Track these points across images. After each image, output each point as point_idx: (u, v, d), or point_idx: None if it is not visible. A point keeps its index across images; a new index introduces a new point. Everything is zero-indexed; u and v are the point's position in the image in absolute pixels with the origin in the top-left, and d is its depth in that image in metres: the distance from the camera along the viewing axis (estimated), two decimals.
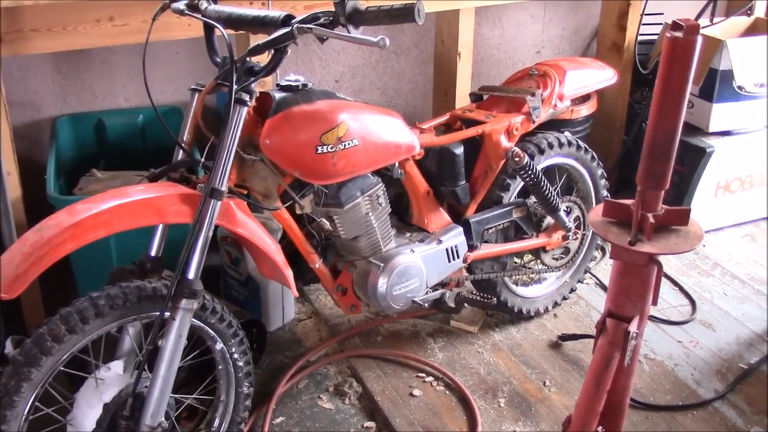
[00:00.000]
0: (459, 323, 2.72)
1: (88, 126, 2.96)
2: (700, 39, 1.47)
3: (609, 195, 2.78)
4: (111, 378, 1.80)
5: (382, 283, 2.14)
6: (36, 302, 2.54)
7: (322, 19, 1.64)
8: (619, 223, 1.68)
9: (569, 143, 2.59)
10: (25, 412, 1.66)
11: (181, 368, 2.02)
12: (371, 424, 2.31)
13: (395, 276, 2.14)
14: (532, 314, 2.75)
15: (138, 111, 3.01)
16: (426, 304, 2.23)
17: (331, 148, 1.91)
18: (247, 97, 1.77)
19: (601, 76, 2.66)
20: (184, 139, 1.91)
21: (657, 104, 1.55)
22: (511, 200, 2.49)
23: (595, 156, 2.71)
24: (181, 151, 1.92)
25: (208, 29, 1.90)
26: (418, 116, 3.54)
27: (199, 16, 1.86)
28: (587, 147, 2.67)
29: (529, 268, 2.69)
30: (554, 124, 2.70)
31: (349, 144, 1.94)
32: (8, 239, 2.29)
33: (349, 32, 1.61)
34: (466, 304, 2.32)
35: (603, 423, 1.80)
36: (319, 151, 1.90)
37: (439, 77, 3.16)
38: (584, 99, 2.95)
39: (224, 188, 1.76)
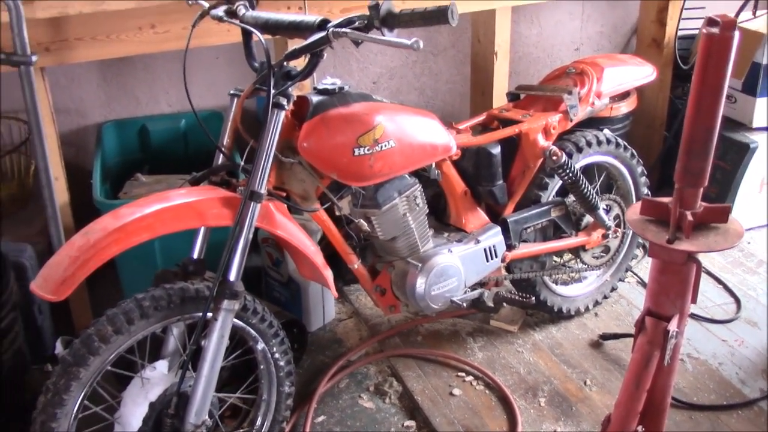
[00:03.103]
0: (499, 323, 2.72)
1: (132, 131, 3.03)
2: (737, 35, 1.45)
3: (650, 193, 2.76)
4: (156, 377, 1.84)
5: (420, 284, 2.15)
6: (84, 303, 2.61)
7: (357, 23, 1.66)
8: (658, 222, 1.66)
9: (608, 141, 2.57)
10: (74, 411, 1.71)
11: (224, 368, 2.06)
12: (411, 423, 2.33)
13: (433, 276, 2.16)
14: (573, 313, 2.73)
15: (180, 116, 3.07)
16: (464, 304, 2.24)
17: (368, 150, 1.93)
18: (284, 102, 1.80)
19: (639, 73, 2.64)
20: (224, 143, 1.95)
21: (694, 101, 1.54)
22: (550, 199, 2.48)
23: (635, 153, 2.68)
24: (221, 155, 1.95)
25: (246, 35, 1.94)
26: (455, 116, 3.55)
27: (237, 22, 1.89)
28: (626, 144, 2.65)
29: (569, 267, 2.67)
30: (593, 122, 2.68)
31: (385, 146, 1.96)
32: (57, 243, 2.36)
33: (383, 35, 1.62)
34: (504, 304, 2.32)
35: (643, 423, 1.78)
36: (356, 153, 1.92)
37: (476, 77, 3.16)
38: (624, 96, 2.92)
39: (263, 191, 1.79)
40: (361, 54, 3.35)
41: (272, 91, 1.76)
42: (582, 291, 2.76)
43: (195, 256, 1.98)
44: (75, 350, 1.70)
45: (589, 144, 2.51)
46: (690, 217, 1.59)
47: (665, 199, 1.67)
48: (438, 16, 1.58)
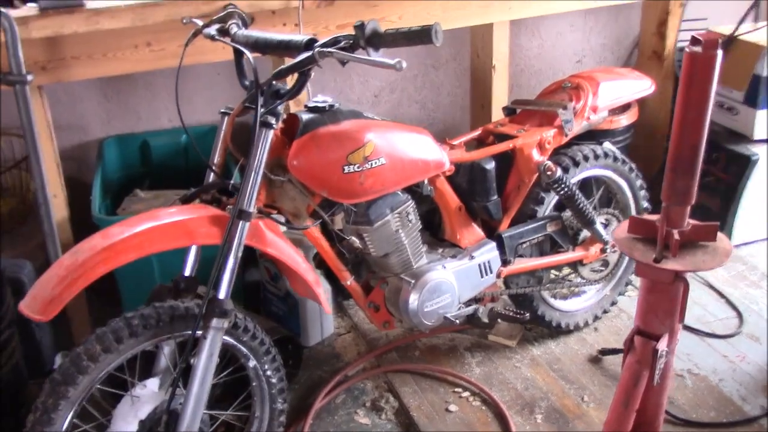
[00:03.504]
0: (497, 337, 2.71)
1: (134, 146, 3.05)
2: (719, 54, 1.45)
3: (650, 206, 2.74)
4: (146, 395, 1.85)
5: (413, 300, 2.15)
6: (83, 317, 2.62)
7: (342, 43, 1.66)
8: (645, 240, 1.65)
9: (605, 155, 2.56)
10: (63, 429, 1.72)
11: (216, 385, 2.06)
12: None
13: (426, 292, 2.15)
14: (572, 328, 2.72)
15: (181, 131, 3.08)
16: (458, 321, 2.23)
17: (358, 167, 1.94)
18: (273, 120, 1.80)
19: (637, 86, 2.63)
20: (215, 161, 1.96)
21: (679, 119, 1.53)
22: (546, 214, 2.47)
23: (634, 167, 2.67)
24: (212, 173, 1.96)
25: (238, 53, 1.95)
26: (457, 129, 3.55)
27: (228, 41, 1.90)
28: (625, 158, 2.63)
29: (567, 282, 2.66)
30: (594, 135, 2.67)
31: (375, 163, 1.96)
32: (54, 259, 2.38)
33: (369, 55, 1.63)
34: (499, 320, 2.31)
35: None
36: (346, 171, 1.92)
37: (475, 91, 3.16)
38: (624, 108, 2.92)
39: (252, 209, 1.80)
40: (362, 68, 3.36)
41: (260, 111, 1.77)
42: (581, 305, 2.74)
43: (186, 273, 1.98)
44: (63, 369, 1.71)
45: (585, 158, 2.50)
46: (677, 236, 1.58)
47: (653, 217, 1.66)
48: (422, 36, 1.58)
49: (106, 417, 1.85)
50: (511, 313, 2.28)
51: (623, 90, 2.58)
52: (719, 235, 1.64)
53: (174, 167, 3.07)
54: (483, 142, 2.43)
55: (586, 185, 2.64)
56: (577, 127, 2.41)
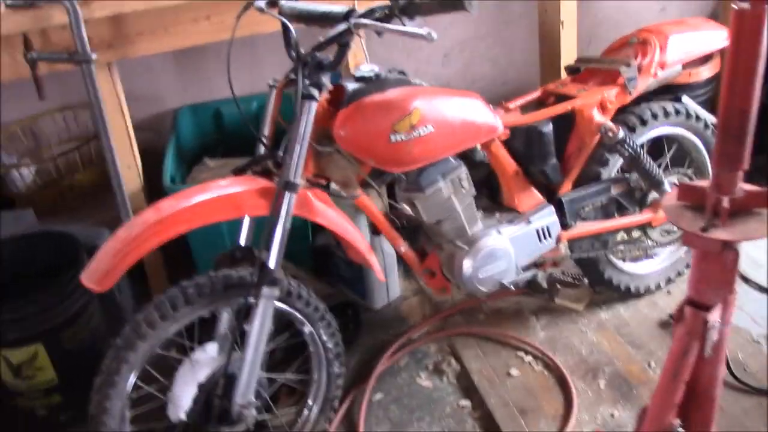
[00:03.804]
0: (564, 301, 2.67)
1: (207, 115, 3.14)
2: None
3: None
4: (205, 359, 1.94)
5: (467, 267, 2.14)
6: (161, 279, 2.76)
7: (378, 13, 1.65)
8: (695, 208, 1.58)
9: (677, 112, 2.45)
10: (127, 391, 1.83)
11: (277, 349, 2.15)
12: (466, 402, 2.34)
13: (481, 259, 2.14)
14: (642, 292, 2.64)
15: (252, 98, 3.15)
16: (513, 287, 2.21)
17: (405, 136, 1.93)
18: (315, 92, 1.82)
19: (712, 38, 2.48)
20: (265, 132, 2.00)
21: (727, 82, 1.44)
22: (612, 176, 2.39)
23: (711, 123, 2.53)
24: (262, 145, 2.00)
25: (285, 25, 1.97)
26: (533, 87, 3.45)
27: (275, 13, 1.93)
28: (699, 114, 2.50)
29: (636, 245, 2.57)
30: (672, 89, 2.56)
31: (423, 131, 1.95)
32: None
33: (404, 24, 1.61)
34: (558, 286, 2.27)
35: (689, 415, 1.72)
36: (393, 140, 1.92)
37: (544, 48, 3.06)
38: (705, 60, 2.77)
39: (298, 181, 1.83)
40: (432, 27, 3.30)
41: (301, 83, 1.78)
42: (653, 268, 2.65)
43: (242, 243, 2.05)
44: (125, 335, 1.81)
45: (654, 116, 2.40)
46: (726, 204, 1.51)
47: (704, 184, 1.58)
48: (455, 4, 1.55)
49: (169, 379, 1.95)
50: (569, 279, 2.24)
51: (696, 43, 2.44)
52: None
53: (247, 134, 3.12)
54: (543, 103, 2.37)
55: (656, 145, 2.54)
56: (642, 85, 2.31)
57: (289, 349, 2.16)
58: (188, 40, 2.44)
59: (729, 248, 1.53)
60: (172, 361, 1.95)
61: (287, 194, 1.83)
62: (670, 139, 2.54)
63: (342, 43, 1.76)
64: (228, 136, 3.15)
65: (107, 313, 2.50)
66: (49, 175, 2.93)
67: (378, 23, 1.62)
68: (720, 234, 1.51)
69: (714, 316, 1.61)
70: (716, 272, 1.59)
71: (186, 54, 3.06)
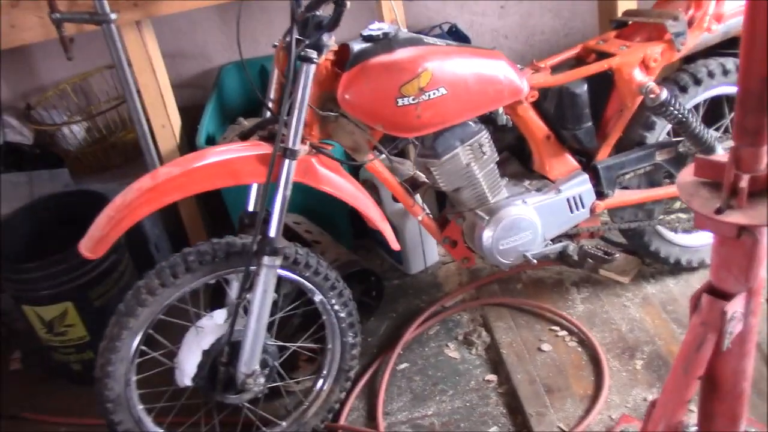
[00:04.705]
0: (609, 272, 2.50)
1: (252, 72, 3.09)
2: None
3: None
4: (209, 326, 1.92)
5: (487, 237, 2.02)
6: (199, 229, 2.77)
7: None
8: (713, 185, 1.40)
9: (738, 70, 2.20)
10: (131, 356, 1.84)
11: (293, 316, 2.11)
12: (493, 377, 2.24)
13: (501, 230, 2.01)
14: (695, 265, 2.44)
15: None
16: (535, 260, 2.07)
17: (413, 99, 1.81)
18: (314, 54, 1.73)
19: None
20: (271, 96, 1.93)
21: (746, 46, 1.25)
22: (659, 140, 2.19)
23: None
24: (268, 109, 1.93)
25: None
26: None
27: None
28: None
29: (681, 216, 2.36)
30: (736, 44, 2.30)
31: (434, 94, 1.83)
32: None
33: None
34: (589, 259, 2.12)
35: (712, 410, 1.57)
36: (400, 104, 1.81)
37: None
38: None
39: (297, 147, 1.76)
40: None
41: (294, 45, 1.69)
42: (708, 240, 2.43)
43: (250, 209, 2.00)
44: (126, 301, 1.81)
45: (711, 75, 2.18)
46: (744, 183, 1.32)
47: (724, 159, 1.40)
48: None
49: (176, 345, 1.95)
50: (600, 253, 2.08)
51: None
52: None
53: None
54: (583, 61, 2.18)
55: (716, 106, 2.31)
56: (692, 41, 2.08)
57: (307, 317, 2.12)
58: None
59: (747, 233, 1.35)
60: (181, 328, 1.95)
61: (287, 161, 1.76)
62: (734, 100, 2.30)
63: (338, 1, 1.65)
64: None
65: (142, 270, 2.52)
66: (100, 132, 2.97)
67: None
68: (736, 217, 1.33)
69: (735, 306, 1.44)
70: (739, 257, 1.41)
71: (230, 9, 3.01)
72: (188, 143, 2.73)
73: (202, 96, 3.13)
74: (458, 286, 2.62)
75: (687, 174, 1.45)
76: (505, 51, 3.43)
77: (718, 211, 1.34)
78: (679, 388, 1.51)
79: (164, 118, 2.56)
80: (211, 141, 2.72)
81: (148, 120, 2.49)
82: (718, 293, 1.48)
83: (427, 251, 2.70)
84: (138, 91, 2.41)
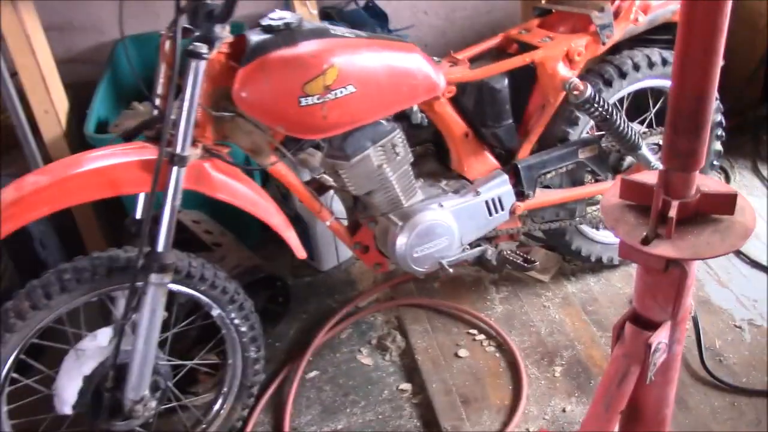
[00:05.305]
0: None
1: (153, 47, 2.83)
2: None
3: (724, 123, 2.27)
4: (92, 349, 1.72)
5: (401, 244, 1.87)
6: (91, 226, 2.54)
7: None
8: (640, 209, 1.29)
9: (664, 62, 2.10)
10: None
11: (190, 330, 1.93)
12: (407, 386, 2.12)
13: (416, 236, 1.87)
14: (617, 263, 2.36)
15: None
16: (451, 270, 1.94)
17: (318, 99, 1.63)
18: (204, 49, 1.52)
19: None
20: (158, 91, 1.71)
21: (678, 61, 1.12)
22: (582, 137, 2.08)
23: None
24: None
25: None
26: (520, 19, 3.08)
27: None
28: None
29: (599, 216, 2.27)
30: (671, 29, 2.20)
31: (341, 92, 1.65)
32: None
33: None
34: (508, 265, 2.00)
35: None
36: (303, 104, 1.63)
37: None
38: None
39: (186, 153, 1.56)
40: None
41: (180, 38, 1.49)
42: None
43: (138, 216, 1.79)
44: None
45: (636, 68, 2.07)
46: (673, 212, 1.21)
47: (651, 181, 1.28)
48: None
49: (54, 370, 1.74)
50: (519, 260, 1.96)
51: None
52: (740, 205, 1.25)
53: None
54: (504, 52, 2.04)
55: (642, 99, 2.21)
56: (618, 33, 1.96)
57: (206, 328, 1.95)
58: None
59: (676, 266, 1.24)
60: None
61: (175, 169, 1.56)
62: (660, 93, 2.21)
63: None
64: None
65: (25, 271, 2.29)
66: None
67: None
68: (664, 249, 1.21)
69: (660, 337, 1.34)
70: (665, 286, 1.31)
71: None
72: (78, 129, 2.47)
73: (97, 72, 2.87)
74: (373, 285, 2.48)
75: (612, 195, 1.33)
76: (425, 27, 3.28)
77: (645, 241, 1.23)
78: (599, 424, 1.40)
79: (47, 103, 2.30)
80: (103, 127, 2.47)
81: (28, 106, 2.23)
82: (641, 321, 1.38)
83: (340, 247, 2.54)
84: (14, 74, 2.14)
